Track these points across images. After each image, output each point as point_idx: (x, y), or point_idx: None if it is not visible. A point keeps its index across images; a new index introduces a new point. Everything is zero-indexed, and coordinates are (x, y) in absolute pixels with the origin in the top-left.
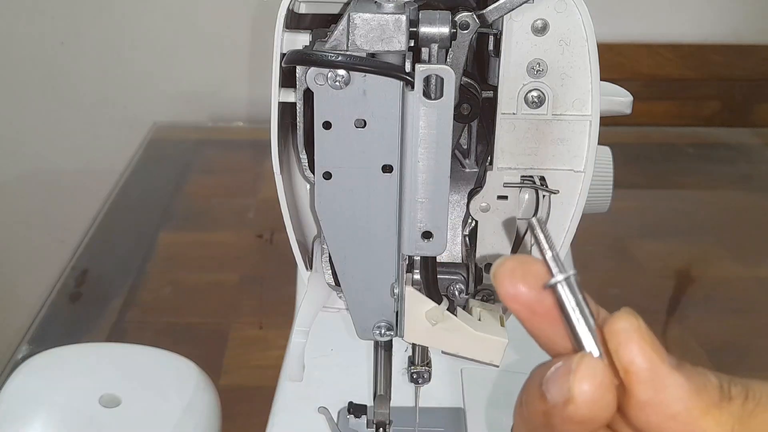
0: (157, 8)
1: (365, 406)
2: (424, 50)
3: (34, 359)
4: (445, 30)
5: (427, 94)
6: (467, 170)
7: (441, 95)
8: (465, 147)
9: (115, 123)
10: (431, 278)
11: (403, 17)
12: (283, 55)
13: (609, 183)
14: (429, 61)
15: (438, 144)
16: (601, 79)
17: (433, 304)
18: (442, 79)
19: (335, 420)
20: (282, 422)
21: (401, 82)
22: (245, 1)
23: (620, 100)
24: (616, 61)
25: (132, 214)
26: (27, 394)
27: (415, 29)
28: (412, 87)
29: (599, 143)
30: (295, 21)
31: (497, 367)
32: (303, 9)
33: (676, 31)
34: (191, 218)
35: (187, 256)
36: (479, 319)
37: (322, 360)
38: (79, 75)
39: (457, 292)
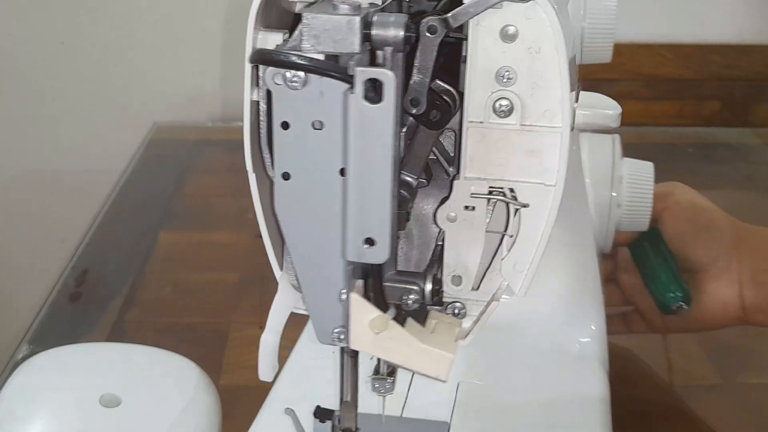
0: (157, 8)
1: (332, 411)
2: (379, 53)
3: (34, 359)
4: (399, 33)
5: (370, 97)
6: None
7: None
8: (452, 155)
9: (115, 123)
10: (377, 286)
11: (357, 19)
12: None
13: (648, 200)
14: (384, 65)
15: (379, 149)
16: (599, 81)
17: (378, 312)
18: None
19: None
20: (268, 422)
21: (348, 84)
22: (245, 1)
23: (607, 113)
24: (616, 61)
25: (132, 214)
26: (27, 394)
27: (368, 31)
28: (353, 89)
29: (639, 157)
30: (293, 20)
31: (444, 382)
32: (298, 8)
33: (676, 31)
34: (191, 218)
35: (187, 256)
36: (432, 332)
37: (323, 362)
38: (79, 75)
39: (410, 302)
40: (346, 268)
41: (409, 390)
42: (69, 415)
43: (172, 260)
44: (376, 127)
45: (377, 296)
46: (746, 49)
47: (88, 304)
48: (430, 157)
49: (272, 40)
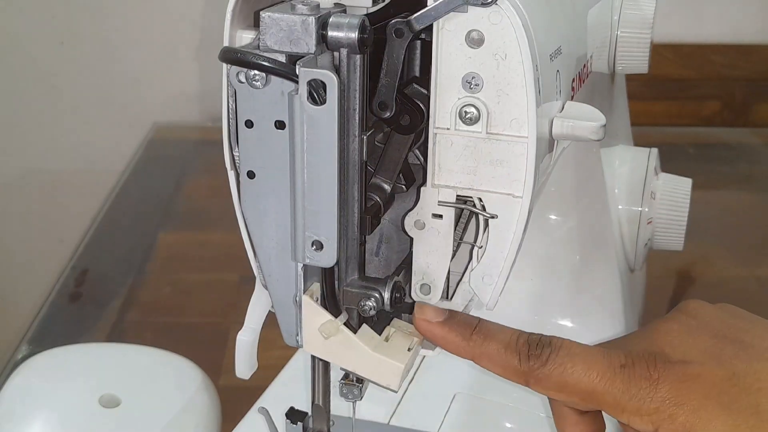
0: (156, 8)
1: (305, 413)
2: (335, 55)
3: (34, 359)
4: (353, 35)
5: (315, 99)
6: None
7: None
8: None
9: (115, 123)
10: (328, 290)
11: (311, 19)
12: None
13: (682, 219)
14: (339, 66)
15: (324, 151)
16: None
17: (329, 316)
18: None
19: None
20: (252, 419)
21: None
22: None
23: (586, 125)
24: None
25: (132, 214)
26: (27, 394)
27: (324, 32)
28: (297, 90)
29: (678, 172)
30: None
31: (395, 392)
32: (262, 8)
33: (676, 30)
34: (191, 218)
35: (187, 256)
36: (386, 339)
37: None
38: (79, 75)
39: (367, 308)
40: (299, 270)
41: (402, 398)
42: (69, 415)
43: (171, 260)
44: (321, 128)
45: (329, 300)
46: (746, 49)
47: (88, 304)
48: (415, 162)
49: (246, 38)
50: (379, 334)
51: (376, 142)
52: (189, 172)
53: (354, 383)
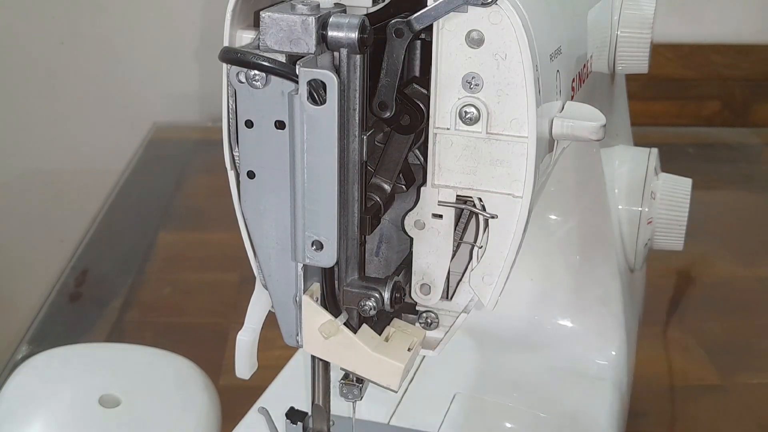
0: (156, 8)
1: (305, 413)
2: (335, 55)
3: (34, 359)
4: (353, 35)
5: (315, 99)
6: None
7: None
8: None
9: (115, 123)
10: (328, 290)
11: (311, 19)
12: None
13: (683, 219)
14: (339, 66)
15: (324, 151)
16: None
17: (329, 316)
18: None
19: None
20: (252, 419)
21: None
22: None
23: (586, 125)
24: None
25: (132, 214)
26: (27, 394)
27: (324, 32)
28: (297, 90)
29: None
30: None
31: (395, 392)
32: (262, 8)
33: (676, 30)
34: (191, 218)
35: (187, 256)
36: (386, 339)
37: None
38: (79, 75)
39: (367, 308)
40: (299, 270)
41: (402, 398)
42: (68, 415)
43: (171, 260)
44: (321, 128)
45: (329, 300)
46: (746, 48)
47: (88, 304)
48: (415, 162)
49: (246, 38)
50: (379, 334)
51: (376, 142)
52: (189, 172)
53: (354, 383)
